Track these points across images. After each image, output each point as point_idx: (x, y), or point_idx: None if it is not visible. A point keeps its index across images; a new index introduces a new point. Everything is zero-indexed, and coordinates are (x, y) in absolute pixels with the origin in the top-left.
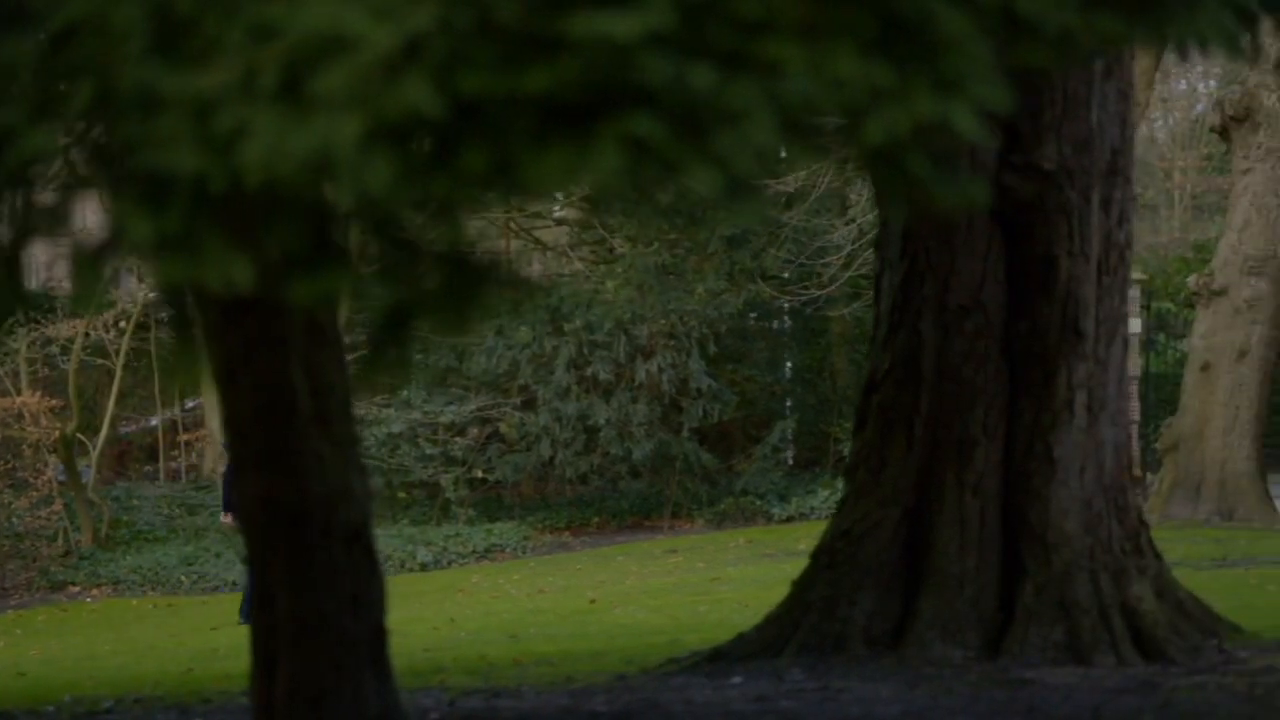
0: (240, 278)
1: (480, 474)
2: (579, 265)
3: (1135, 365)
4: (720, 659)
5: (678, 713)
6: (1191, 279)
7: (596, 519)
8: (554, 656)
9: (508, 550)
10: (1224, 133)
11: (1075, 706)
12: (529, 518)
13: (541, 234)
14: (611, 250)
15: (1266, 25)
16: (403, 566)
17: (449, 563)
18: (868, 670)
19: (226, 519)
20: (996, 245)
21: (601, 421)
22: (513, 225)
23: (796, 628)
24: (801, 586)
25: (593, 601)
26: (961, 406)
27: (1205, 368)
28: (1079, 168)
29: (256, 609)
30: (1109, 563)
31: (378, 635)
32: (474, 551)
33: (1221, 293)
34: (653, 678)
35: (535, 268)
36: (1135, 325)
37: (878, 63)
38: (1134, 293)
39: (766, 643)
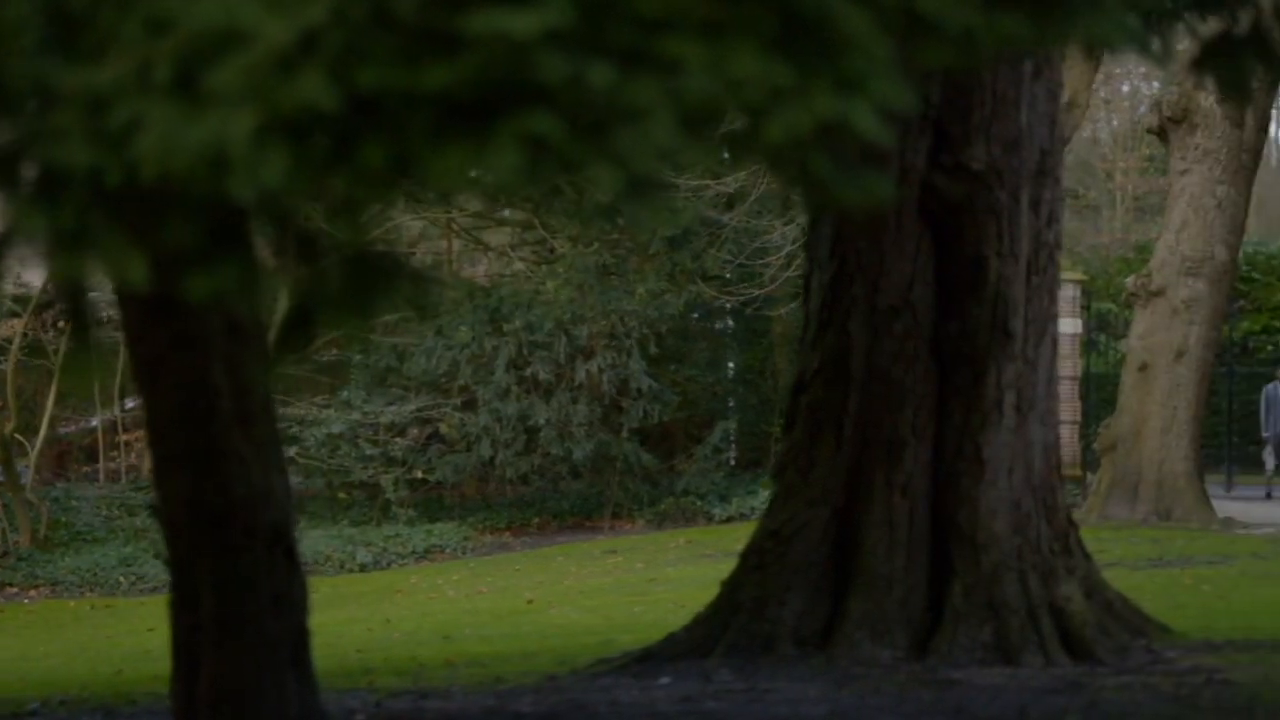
0: (135, 274)
1: (420, 475)
2: (520, 266)
3: (1076, 366)
4: (649, 659)
5: (603, 713)
6: (1129, 280)
7: (537, 519)
8: (486, 657)
9: (448, 551)
10: (1162, 134)
11: (1002, 706)
12: (469, 518)
13: (485, 234)
14: (552, 250)
15: (1181, 26)
16: (342, 567)
17: (389, 563)
18: (796, 671)
19: None
20: (926, 246)
21: (542, 422)
22: (455, 225)
23: (725, 628)
24: (730, 587)
25: (530, 602)
26: (890, 407)
27: (1143, 368)
28: (1008, 168)
29: (179, 610)
30: (1037, 563)
31: (300, 636)
32: (414, 552)
33: (1159, 293)
34: (581, 678)
35: (478, 268)
36: (1076, 326)
37: (778, 61)
38: (1074, 293)
39: (695, 643)
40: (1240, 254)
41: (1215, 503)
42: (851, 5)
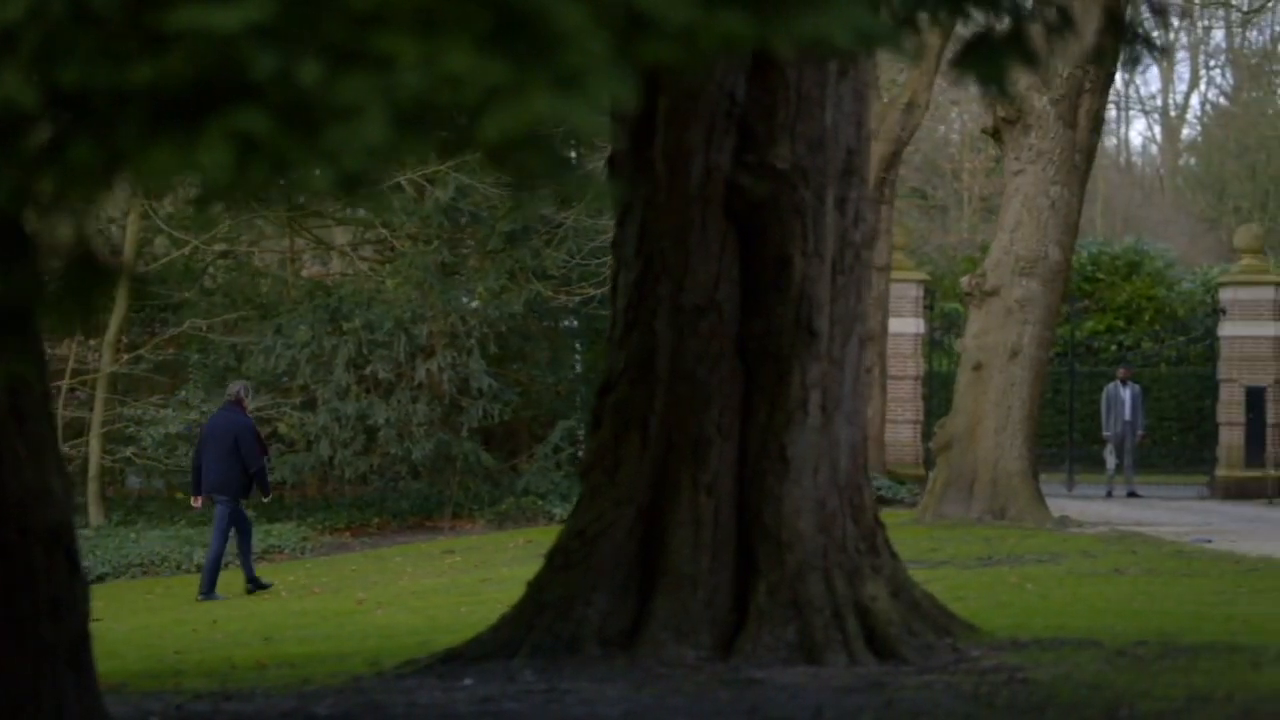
0: None
1: None
2: (361, 265)
3: (919, 365)
4: (454, 660)
5: (399, 715)
6: (964, 279)
7: (377, 519)
8: (300, 659)
9: (286, 551)
10: (996, 135)
11: (799, 706)
12: (309, 519)
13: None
14: (392, 249)
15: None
16: (179, 568)
17: (226, 564)
18: (599, 671)
19: (197, 502)
20: (731, 245)
21: (381, 421)
22: (295, 224)
23: (531, 629)
24: (536, 588)
25: (359, 603)
26: (696, 406)
27: (978, 367)
28: (813, 167)
29: None
30: (843, 562)
31: (80, 639)
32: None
33: (994, 293)
34: (386, 680)
35: (317, 267)
36: (919, 325)
37: (493, 58)
38: (917, 293)
39: (500, 644)
40: (1085, 254)
41: (1057, 501)
42: (567, 2)
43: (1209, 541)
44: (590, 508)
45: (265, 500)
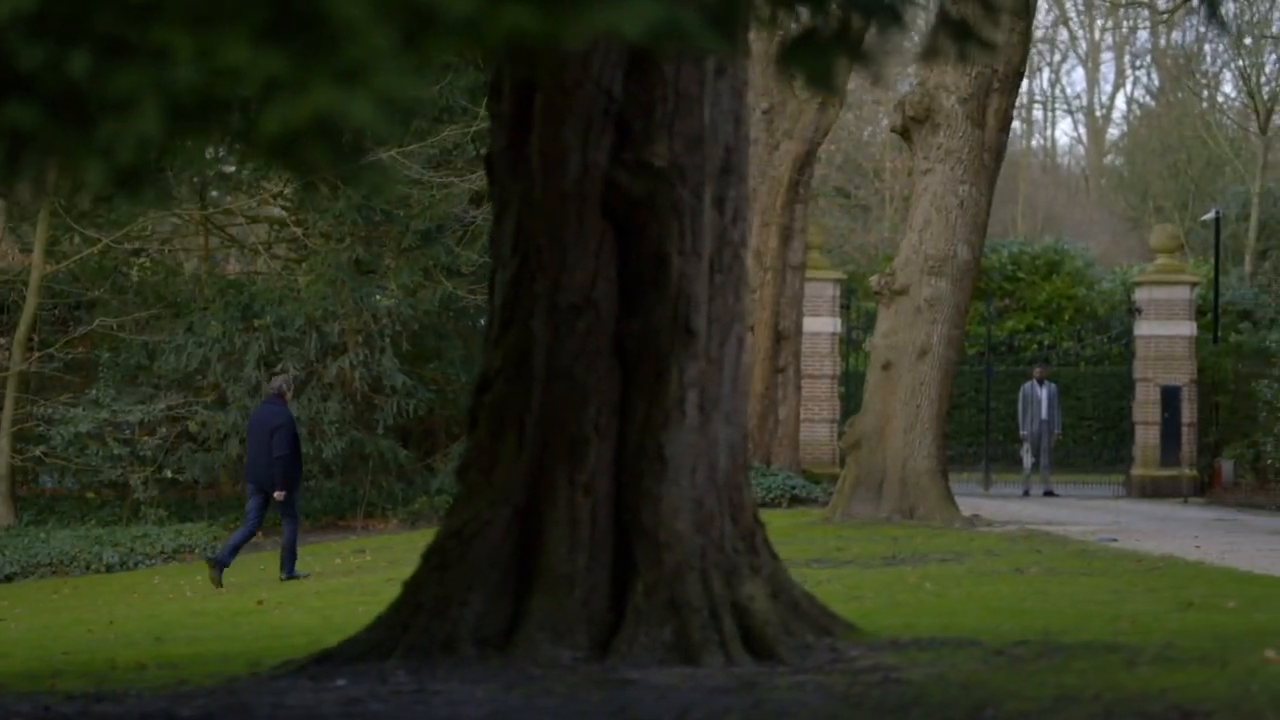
0: None
1: (170, 474)
2: (273, 263)
3: (835, 365)
4: (328, 661)
5: (262, 717)
6: (873, 279)
7: None
8: (184, 659)
9: (197, 551)
10: (905, 134)
11: (667, 707)
12: (222, 518)
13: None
14: (305, 246)
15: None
16: (88, 568)
17: (136, 564)
18: (473, 672)
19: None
20: (609, 243)
21: None
22: (210, 223)
23: (407, 629)
24: (413, 588)
25: (260, 603)
26: (573, 405)
27: (887, 366)
28: (691, 165)
29: None
30: (721, 562)
31: None
32: (162, 552)
33: (903, 292)
34: (260, 681)
35: (232, 265)
36: (835, 325)
37: (272, 51)
38: (834, 292)
39: (375, 644)
40: (1005, 254)
41: (974, 501)
42: None
43: (1114, 541)
44: (467, 508)
45: (278, 497)
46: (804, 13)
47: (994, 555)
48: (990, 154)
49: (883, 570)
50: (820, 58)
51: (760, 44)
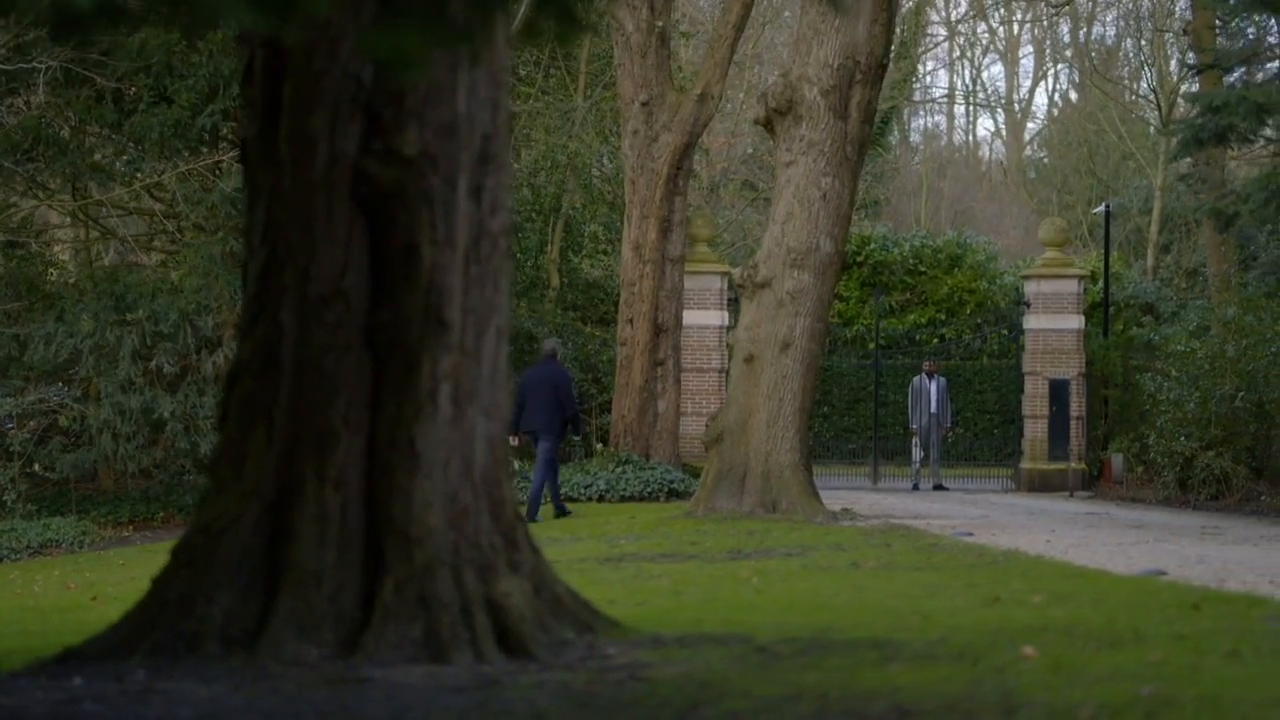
0: None
1: (39, 469)
2: (146, 258)
3: (722, 358)
4: (70, 659)
5: None
6: (736, 271)
7: (162, 514)
8: None
9: (64, 545)
10: (768, 125)
11: (391, 707)
12: (92, 512)
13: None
14: (180, 238)
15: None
16: None
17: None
18: (213, 671)
19: (516, 440)
20: (359, 233)
21: (166, 414)
22: (85, 214)
23: (153, 627)
24: (160, 584)
25: (93, 599)
26: (323, 398)
27: (749, 359)
28: (444, 154)
29: None
30: (475, 558)
31: None
32: (28, 547)
33: (765, 285)
34: (3, 679)
35: (111, 259)
36: (722, 318)
37: None
38: (720, 285)
39: (120, 642)
40: (908, 247)
41: (859, 494)
42: None
43: (969, 535)
44: (216, 503)
45: (576, 438)
46: None
47: (840, 550)
48: (853, 146)
49: (721, 565)
50: (400, 34)
51: (623, 36)
